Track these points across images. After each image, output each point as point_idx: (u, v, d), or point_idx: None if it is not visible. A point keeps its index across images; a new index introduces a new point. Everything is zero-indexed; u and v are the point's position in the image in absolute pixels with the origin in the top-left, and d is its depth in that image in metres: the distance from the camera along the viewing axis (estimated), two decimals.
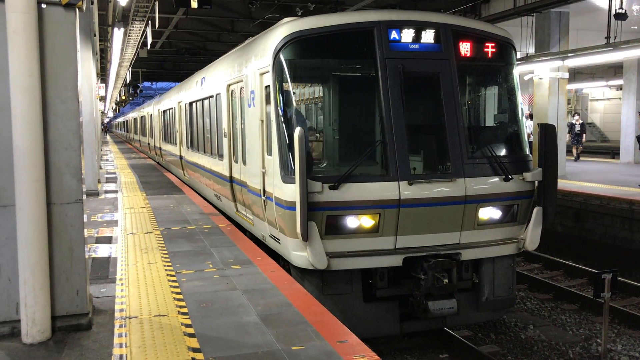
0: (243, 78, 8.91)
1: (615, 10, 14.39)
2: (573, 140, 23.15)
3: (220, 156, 10.86)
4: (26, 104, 4.70)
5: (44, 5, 4.86)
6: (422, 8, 18.10)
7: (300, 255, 6.96)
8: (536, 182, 7.68)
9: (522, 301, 10.33)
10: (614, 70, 30.26)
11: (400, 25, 7.26)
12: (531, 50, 17.80)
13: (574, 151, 23.37)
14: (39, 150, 4.81)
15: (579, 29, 18.80)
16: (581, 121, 23.80)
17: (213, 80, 11.67)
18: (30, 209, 4.77)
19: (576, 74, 31.62)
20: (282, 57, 7.22)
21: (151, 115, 26.24)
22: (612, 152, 25.90)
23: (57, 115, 4.96)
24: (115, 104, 59.56)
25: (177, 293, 6.16)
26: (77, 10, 5.02)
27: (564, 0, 14.54)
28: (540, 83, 16.85)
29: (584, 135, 23.83)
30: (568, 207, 13.63)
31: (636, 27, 18.66)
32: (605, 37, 14.59)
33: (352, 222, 6.96)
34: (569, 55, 15.25)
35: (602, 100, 38.31)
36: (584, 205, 13.33)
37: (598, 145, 33.54)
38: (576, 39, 18.41)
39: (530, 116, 20.22)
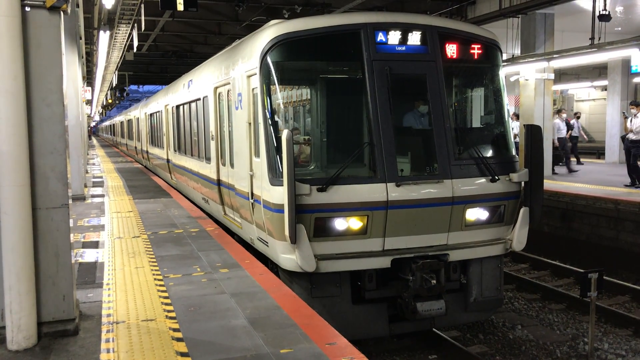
0: (230, 80, 8.89)
1: (600, 11, 14.54)
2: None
3: (208, 159, 10.82)
4: (10, 107, 4.65)
5: (27, 8, 4.81)
6: (408, 10, 18.17)
7: (288, 258, 6.95)
8: (522, 183, 7.74)
9: (510, 301, 10.39)
10: (599, 71, 30.54)
11: (386, 27, 7.29)
12: (517, 51, 17.93)
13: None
14: (24, 155, 4.76)
15: (564, 30, 18.95)
16: (564, 115, 20.32)
17: (200, 83, 11.63)
18: (15, 214, 4.71)
19: (562, 75, 31.89)
20: (269, 59, 7.22)
21: (138, 118, 26.11)
22: (598, 152, 26.10)
23: (42, 118, 4.91)
24: (102, 107, 59.19)
25: (165, 297, 6.12)
26: (61, 13, 4.98)
27: (549, 2, 14.67)
28: (526, 84, 16.98)
29: (570, 132, 20.25)
30: (555, 207, 13.73)
31: (620, 29, 18.87)
32: (590, 39, 14.73)
33: (340, 224, 6.96)
34: (554, 56, 15.39)
35: (588, 100, 38.64)
36: (570, 206, 13.44)
37: (584, 145, 33.82)
38: (561, 40, 18.56)
39: (516, 117, 20.29)
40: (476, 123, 8.53)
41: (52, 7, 4.87)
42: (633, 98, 22.39)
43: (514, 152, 8.01)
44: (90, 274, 7.16)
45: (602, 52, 14.25)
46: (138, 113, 26.10)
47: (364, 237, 7.04)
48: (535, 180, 7.63)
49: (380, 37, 7.25)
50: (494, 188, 7.48)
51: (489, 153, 7.86)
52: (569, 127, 21.12)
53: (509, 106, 8.36)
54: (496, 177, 7.47)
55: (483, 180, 7.46)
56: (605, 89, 25.47)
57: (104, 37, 16.45)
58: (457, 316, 7.86)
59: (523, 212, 7.68)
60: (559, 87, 31.76)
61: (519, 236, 7.68)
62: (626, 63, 20.95)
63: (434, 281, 7.10)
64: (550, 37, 16.68)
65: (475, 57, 7.81)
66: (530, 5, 15.22)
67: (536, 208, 7.66)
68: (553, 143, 18.60)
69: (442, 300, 7.25)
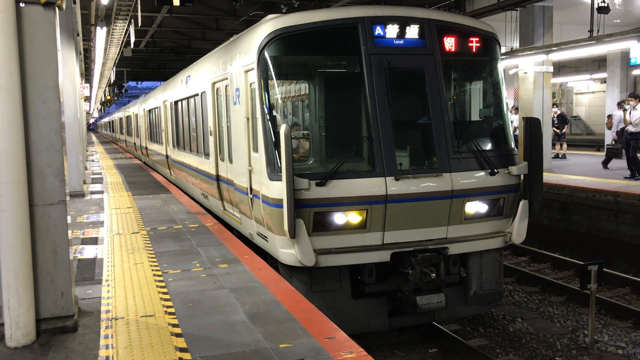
0: (228, 76, 8.87)
1: (598, 4, 14.49)
2: (554, 136, 20.40)
3: (207, 155, 10.81)
4: (6, 104, 4.63)
5: (22, 4, 4.78)
6: (407, 4, 18.09)
7: (288, 252, 6.94)
8: (522, 176, 7.72)
9: (510, 294, 10.39)
10: (598, 63, 30.48)
11: (384, 21, 7.25)
12: (516, 44, 17.88)
13: (557, 147, 20.86)
14: (20, 152, 4.74)
15: (562, 23, 18.92)
16: (559, 112, 20.97)
17: (198, 78, 11.60)
18: (12, 210, 4.70)
19: (561, 68, 31.82)
20: (266, 54, 7.19)
21: (136, 114, 26.07)
22: (597, 144, 26.08)
23: (38, 115, 4.89)
24: (101, 104, 59.09)
25: (164, 293, 6.11)
26: (56, 9, 4.95)
27: None
28: (525, 77, 16.94)
29: (564, 128, 20.89)
30: (554, 200, 13.72)
31: (619, 21, 18.82)
32: (589, 31, 14.69)
33: (339, 218, 6.95)
34: (553, 49, 15.34)
35: (587, 93, 38.60)
36: (570, 198, 13.43)
37: (583, 138, 33.80)
38: (560, 33, 18.53)
39: (516, 110, 20.22)
40: (475, 116, 8.51)
41: (46, 3, 4.84)
42: (632, 90, 22.34)
43: (513, 145, 7.99)
44: (90, 270, 7.15)
45: (601, 44, 14.21)
46: (137, 109, 26.06)
47: (364, 231, 7.03)
48: (534, 173, 7.62)
49: (378, 30, 7.22)
50: (493, 181, 7.47)
51: (488, 146, 7.84)
52: (564, 121, 21.05)
53: (508, 99, 8.33)
54: (495, 170, 7.45)
55: (482, 173, 7.44)
56: (605, 82, 25.44)
57: (101, 33, 16.40)
58: (457, 309, 7.86)
59: (522, 205, 7.67)
60: (558, 79, 31.71)
61: (518, 229, 7.67)
62: (625, 55, 20.93)
63: (434, 275, 7.10)
64: (549, 30, 16.63)
65: (474, 50, 7.78)
66: None
67: (535, 201, 7.64)
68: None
69: (442, 294, 7.25)
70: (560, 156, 20.84)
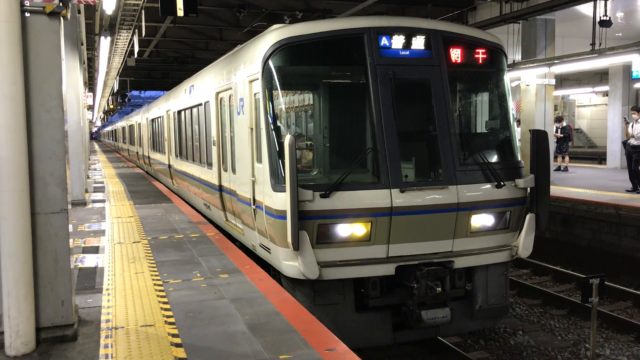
0: (232, 86, 8.86)
1: (600, 17, 14.50)
2: (556, 148, 20.39)
3: (210, 165, 10.78)
4: (9, 113, 4.62)
5: (27, 14, 4.80)
6: (409, 16, 18.16)
7: (291, 265, 6.87)
8: (528, 189, 7.64)
9: (512, 307, 10.33)
10: (600, 76, 30.50)
11: (390, 32, 7.22)
12: (518, 57, 17.91)
13: (559, 159, 20.88)
14: (23, 160, 4.73)
15: (564, 36, 18.93)
16: (565, 124, 21.09)
17: (202, 88, 11.60)
18: (14, 219, 4.68)
19: (563, 81, 31.84)
20: (271, 64, 7.16)
21: (139, 124, 26.11)
22: (599, 157, 26.05)
23: (41, 124, 4.88)
24: (104, 112, 59.23)
25: (164, 303, 6.07)
26: (61, 18, 4.97)
27: (550, 8, 14.66)
28: (527, 90, 16.95)
29: (569, 141, 20.88)
30: (556, 212, 13.67)
31: (621, 34, 18.85)
32: (591, 44, 14.70)
33: (343, 230, 6.86)
34: (555, 62, 15.34)
35: (589, 106, 38.61)
36: (572, 211, 13.38)
37: (585, 150, 33.79)
38: (562, 46, 18.54)
39: (518, 122, 20.20)
40: (481, 128, 8.44)
41: (51, 12, 4.86)
42: (634, 103, 22.32)
43: (519, 158, 7.91)
44: (90, 279, 7.11)
45: (603, 57, 14.20)
46: (139, 118, 26.10)
47: (368, 244, 6.95)
48: (541, 186, 7.50)
49: (384, 41, 7.18)
50: (500, 194, 7.37)
51: (495, 158, 7.75)
52: (567, 134, 20.98)
53: (513, 111, 8.27)
54: (502, 183, 7.36)
55: (488, 186, 7.35)
56: (607, 95, 25.44)
57: (104, 42, 16.45)
58: (462, 324, 7.70)
59: (529, 218, 7.54)
60: (560, 92, 31.72)
61: (524, 243, 7.53)
62: (627, 68, 20.95)
63: (439, 289, 6.97)
64: (551, 43, 16.66)
65: (480, 61, 7.72)
66: (531, 11, 15.20)
67: (542, 214, 7.52)
68: None
69: (447, 308, 7.12)
70: (562, 169, 20.82)
